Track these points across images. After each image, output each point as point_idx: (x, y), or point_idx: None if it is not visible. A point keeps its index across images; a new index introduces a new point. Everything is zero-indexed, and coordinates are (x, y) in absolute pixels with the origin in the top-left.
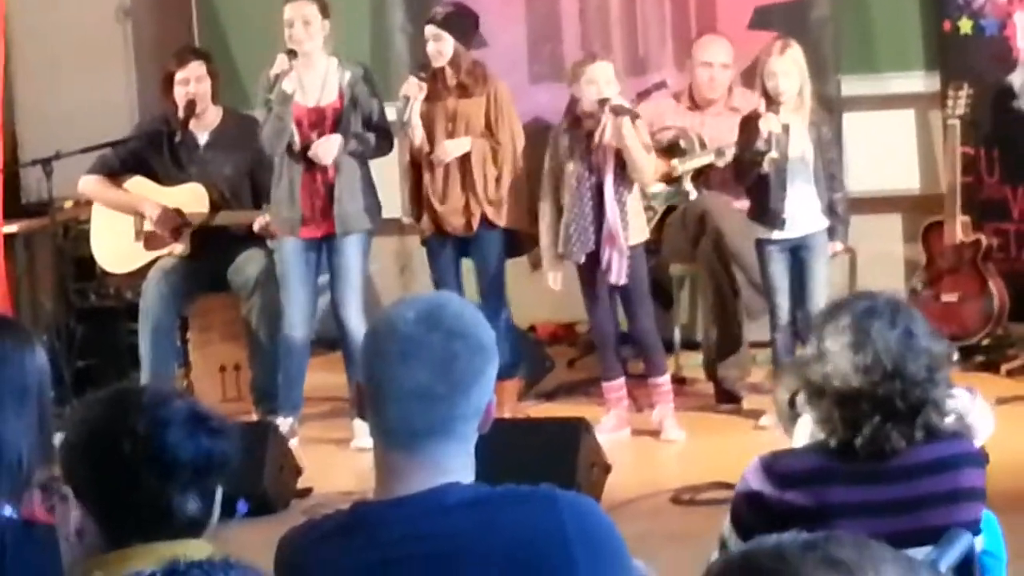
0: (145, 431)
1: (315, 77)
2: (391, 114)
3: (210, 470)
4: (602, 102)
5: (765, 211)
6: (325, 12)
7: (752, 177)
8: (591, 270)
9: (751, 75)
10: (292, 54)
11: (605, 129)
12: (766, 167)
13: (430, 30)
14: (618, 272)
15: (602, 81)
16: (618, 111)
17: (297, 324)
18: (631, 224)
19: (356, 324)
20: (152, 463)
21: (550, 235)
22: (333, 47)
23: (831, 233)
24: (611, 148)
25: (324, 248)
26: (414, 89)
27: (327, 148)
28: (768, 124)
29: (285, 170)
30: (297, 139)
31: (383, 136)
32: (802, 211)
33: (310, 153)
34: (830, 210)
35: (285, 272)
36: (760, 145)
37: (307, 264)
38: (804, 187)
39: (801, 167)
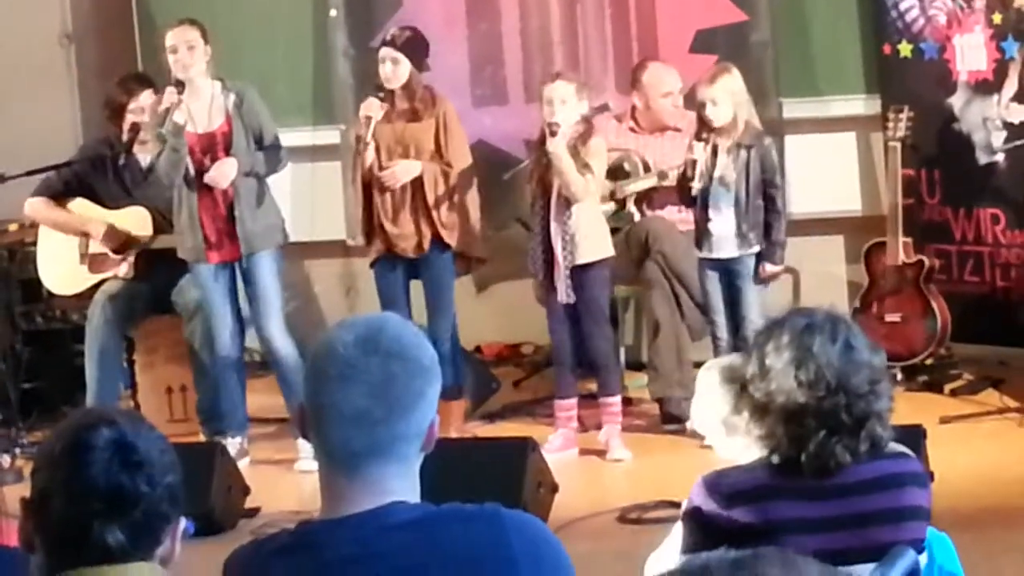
0: (61, 454)
1: (201, 103)
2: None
3: (123, 505)
4: (548, 125)
5: (696, 231)
6: (206, 37)
7: (686, 198)
8: (549, 286)
9: (692, 98)
10: (179, 85)
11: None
12: (693, 188)
13: (387, 52)
14: (560, 291)
15: (556, 101)
16: (551, 130)
17: (227, 345)
18: (582, 243)
19: (281, 342)
20: (63, 487)
21: None
22: (215, 71)
23: (765, 255)
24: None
25: (237, 269)
26: (375, 109)
27: (223, 171)
28: (693, 149)
29: (184, 199)
30: (192, 167)
31: (274, 153)
32: (729, 232)
33: (207, 178)
34: (765, 232)
35: (206, 297)
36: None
37: (225, 285)
38: (730, 209)
39: (724, 190)
